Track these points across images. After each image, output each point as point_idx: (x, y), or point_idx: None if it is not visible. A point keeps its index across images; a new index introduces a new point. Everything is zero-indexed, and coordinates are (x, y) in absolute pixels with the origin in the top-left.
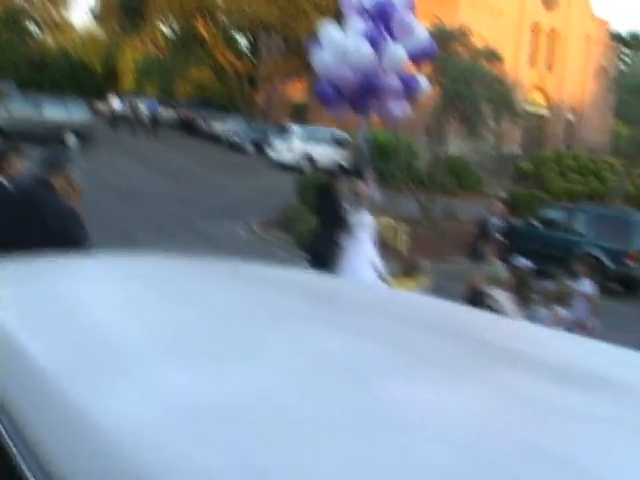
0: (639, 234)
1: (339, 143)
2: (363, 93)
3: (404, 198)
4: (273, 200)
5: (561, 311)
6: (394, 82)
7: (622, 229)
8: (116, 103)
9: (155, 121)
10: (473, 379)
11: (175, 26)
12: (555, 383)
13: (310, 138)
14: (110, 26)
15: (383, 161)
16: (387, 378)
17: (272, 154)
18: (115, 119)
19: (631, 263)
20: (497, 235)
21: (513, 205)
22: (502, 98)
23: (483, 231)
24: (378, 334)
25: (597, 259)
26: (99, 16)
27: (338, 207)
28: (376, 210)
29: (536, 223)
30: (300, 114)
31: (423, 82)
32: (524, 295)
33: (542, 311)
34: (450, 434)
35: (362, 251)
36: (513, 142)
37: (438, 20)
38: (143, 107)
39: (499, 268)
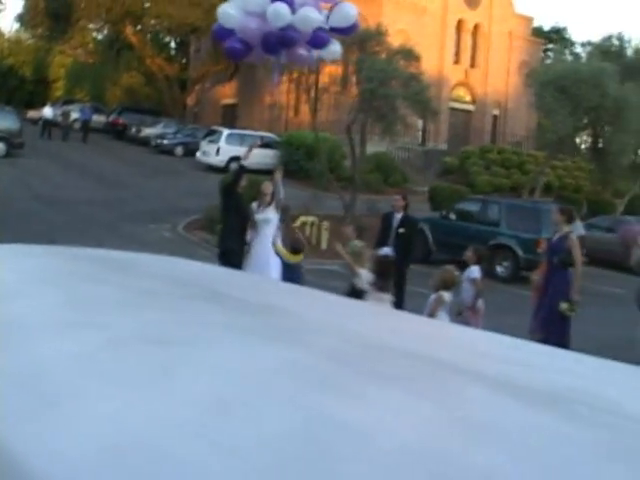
0: (548, 223)
1: (268, 145)
2: (273, 44)
3: (330, 196)
4: (199, 202)
5: (446, 295)
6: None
7: (532, 219)
8: (47, 110)
9: (86, 127)
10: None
11: (105, 31)
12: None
13: (238, 140)
14: (38, 32)
15: (310, 161)
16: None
17: (200, 157)
18: (46, 126)
19: (540, 250)
20: (400, 229)
21: (435, 199)
22: (418, 96)
23: (386, 225)
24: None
25: (510, 248)
26: (27, 22)
27: (241, 205)
28: (300, 208)
29: (452, 216)
30: (230, 116)
31: (336, 46)
32: (384, 281)
33: (431, 296)
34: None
35: (267, 246)
36: (439, 138)
37: (363, 19)
38: (76, 114)
39: (359, 246)
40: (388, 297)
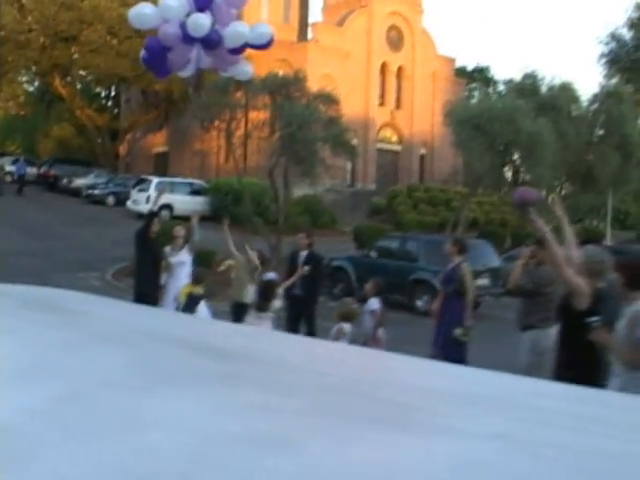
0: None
1: (197, 192)
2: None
3: (258, 240)
4: (128, 249)
5: (346, 327)
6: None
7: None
8: None
9: (22, 181)
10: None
11: (35, 83)
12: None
13: (168, 188)
14: None
15: (238, 206)
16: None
17: (131, 205)
18: None
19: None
20: (305, 266)
21: (359, 238)
22: (338, 138)
23: (292, 263)
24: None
25: (428, 282)
26: None
27: (154, 249)
28: (226, 252)
29: (373, 253)
30: (162, 164)
31: (248, 67)
32: (264, 301)
33: (334, 327)
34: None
35: (180, 288)
36: (368, 179)
37: (288, 65)
38: (10, 167)
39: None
40: (268, 316)
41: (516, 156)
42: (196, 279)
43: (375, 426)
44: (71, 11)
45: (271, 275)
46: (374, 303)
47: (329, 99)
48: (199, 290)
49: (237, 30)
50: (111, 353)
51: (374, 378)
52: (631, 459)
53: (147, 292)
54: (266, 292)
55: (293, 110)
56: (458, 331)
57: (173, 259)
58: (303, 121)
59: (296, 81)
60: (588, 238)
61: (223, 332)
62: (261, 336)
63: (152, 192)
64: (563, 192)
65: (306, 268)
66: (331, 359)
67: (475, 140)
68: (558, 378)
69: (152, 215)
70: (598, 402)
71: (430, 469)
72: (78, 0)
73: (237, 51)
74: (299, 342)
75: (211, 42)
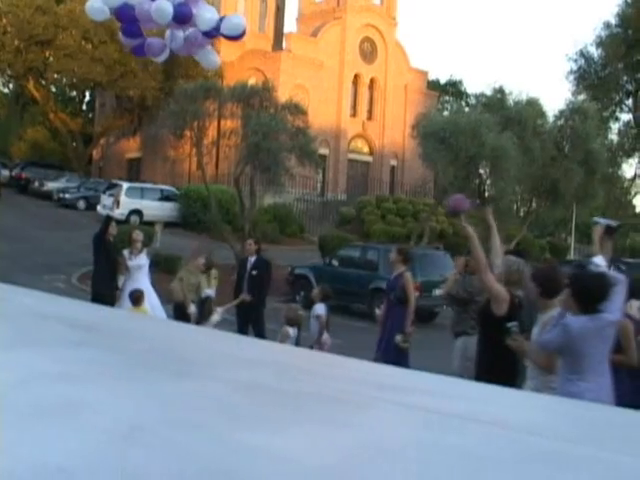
0: (421, 267)
1: (168, 198)
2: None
3: (225, 247)
4: None
5: (290, 330)
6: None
7: None
8: None
9: None
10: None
11: (10, 85)
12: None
13: (139, 194)
14: None
15: (206, 213)
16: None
17: (101, 210)
18: None
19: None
20: (253, 271)
21: (324, 247)
22: (304, 148)
23: (241, 268)
24: None
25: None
26: None
27: (110, 252)
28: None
29: (335, 262)
30: (135, 170)
31: (215, 56)
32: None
33: (280, 330)
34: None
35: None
36: (339, 189)
37: (261, 74)
38: None
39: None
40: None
41: (481, 169)
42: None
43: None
44: (46, 15)
45: (209, 292)
46: (320, 308)
47: (297, 109)
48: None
49: (209, 11)
50: None
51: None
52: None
53: (103, 293)
54: (204, 308)
55: (259, 119)
56: (399, 337)
57: (131, 262)
58: (269, 130)
59: (264, 91)
60: (519, 249)
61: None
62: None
63: (122, 197)
64: (528, 205)
65: (245, 296)
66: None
67: (440, 152)
68: (479, 380)
69: (109, 218)
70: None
71: None
72: (54, 4)
73: (208, 35)
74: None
75: (182, 15)
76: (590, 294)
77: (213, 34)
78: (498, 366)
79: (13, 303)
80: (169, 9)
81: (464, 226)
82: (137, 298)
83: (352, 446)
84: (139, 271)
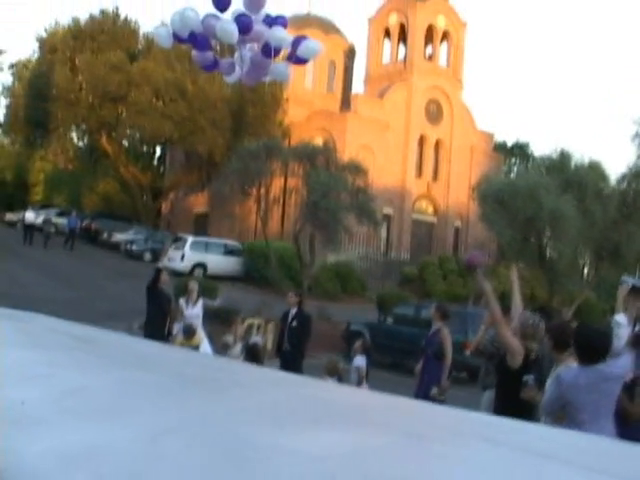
0: (474, 326)
1: (232, 252)
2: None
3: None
4: None
5: (330, 380)
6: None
7: (460, 322)
8: (29, 215)
9: (73, 234)
10: None
11: (85, 139)
12: None
13: (203, 248)
14: (18, 138)
15: (269, 268)
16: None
17: (166, 262)
18: (27, 232)
19: (467, 352)
20: (293, 322)
21: (383, 305)
22: (362, 208)
23: (283, 320)
24: None
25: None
26: (7, 129)
27: (162, 300)
28: (250, 311)
29: (389, 320)
30: (202, 224)
31: (287, 69)
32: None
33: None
34: None
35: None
36: (402, 248)
37: (328, 134)
38: (61, 220)
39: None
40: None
41: (540, 231)
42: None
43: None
44: (120, 73)
45: (257, 339)
46: (359, 360)
47: (357, 169)
48: (194, 343)
49: (281, 30)
50: None
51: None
52: None
53: (152, 337)
54: (252, 355)
55: (319, 178)
56: (434, 390)
57: (187, 311)
58: (328, 189)
59: (325, 150)
60: (544, 307)
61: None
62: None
63: (187, 250)
64: (590, 268)
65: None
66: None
67: (498, 214)
68: None
69: (159, 270)
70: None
71: None
72: (127, 63)
73: (276, 53)
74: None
75: (244, 26)
76: (587, 347)
77: (277, 52)
78: (511, 417)
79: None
80: (234, 28)
81: (480, 281)
82: (189, 330)
83: None
84: (194, 319)
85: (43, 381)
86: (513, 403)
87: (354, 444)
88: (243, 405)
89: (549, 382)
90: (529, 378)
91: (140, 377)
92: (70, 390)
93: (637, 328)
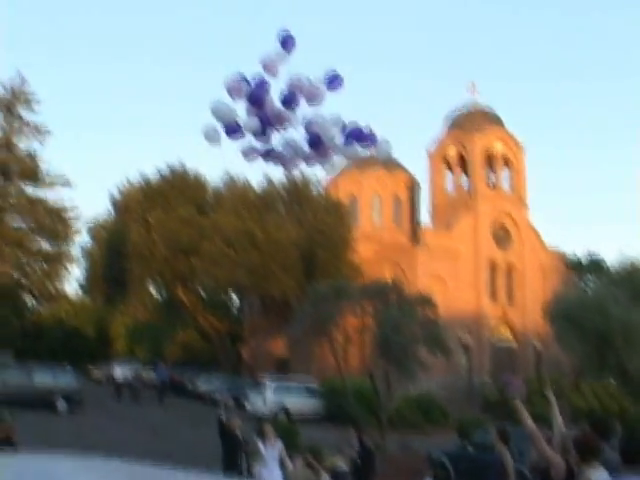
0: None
1: (312, 393)
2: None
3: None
4: None
5: None
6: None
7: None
8: (117, 371)
9: (165, 387)
10: None
11: (162, 291)
12: None
13: (285, 391)
14: (98, 296)
15: (346, 405)
16: None
17: (248, 407)
18: (118, 388)
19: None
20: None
21: (462, 432)
22: (434, 338)
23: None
24: None
25: (522, 473)
26: (87, 289)
27: (234, 441)
28: (331, 449)
29: (469, 447)
30: (283, 367)
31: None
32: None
33: None
34: None
35: (274, 472)
36: (483, 373)
37: (398, 268)
38: (150, 373)
39: None
40: None
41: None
42: None
43: None
44: (191, 226)
45: (344, 467)
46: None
47: (425, 301)
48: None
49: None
50: None
51: None
52: None
53: (227, 470)
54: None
55: (388, 314)
56: None
57: (265, 452)
58: (398, 324)
59: (395, 287)
60: (600, 425)
61: None
62: None
63: (269, 395)
64: None
65: None
66: None
67: (568, 332)
68: None
69: (221, 422)
70: None
71: None
72: (197, 216)
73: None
74: None
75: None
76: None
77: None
78: None
79: None
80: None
81: (515, 404)
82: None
83: None
84: (272, 460)
85: None
86: None
87: None
88: None
89: None
90: None
91: None
92: None
93: None
